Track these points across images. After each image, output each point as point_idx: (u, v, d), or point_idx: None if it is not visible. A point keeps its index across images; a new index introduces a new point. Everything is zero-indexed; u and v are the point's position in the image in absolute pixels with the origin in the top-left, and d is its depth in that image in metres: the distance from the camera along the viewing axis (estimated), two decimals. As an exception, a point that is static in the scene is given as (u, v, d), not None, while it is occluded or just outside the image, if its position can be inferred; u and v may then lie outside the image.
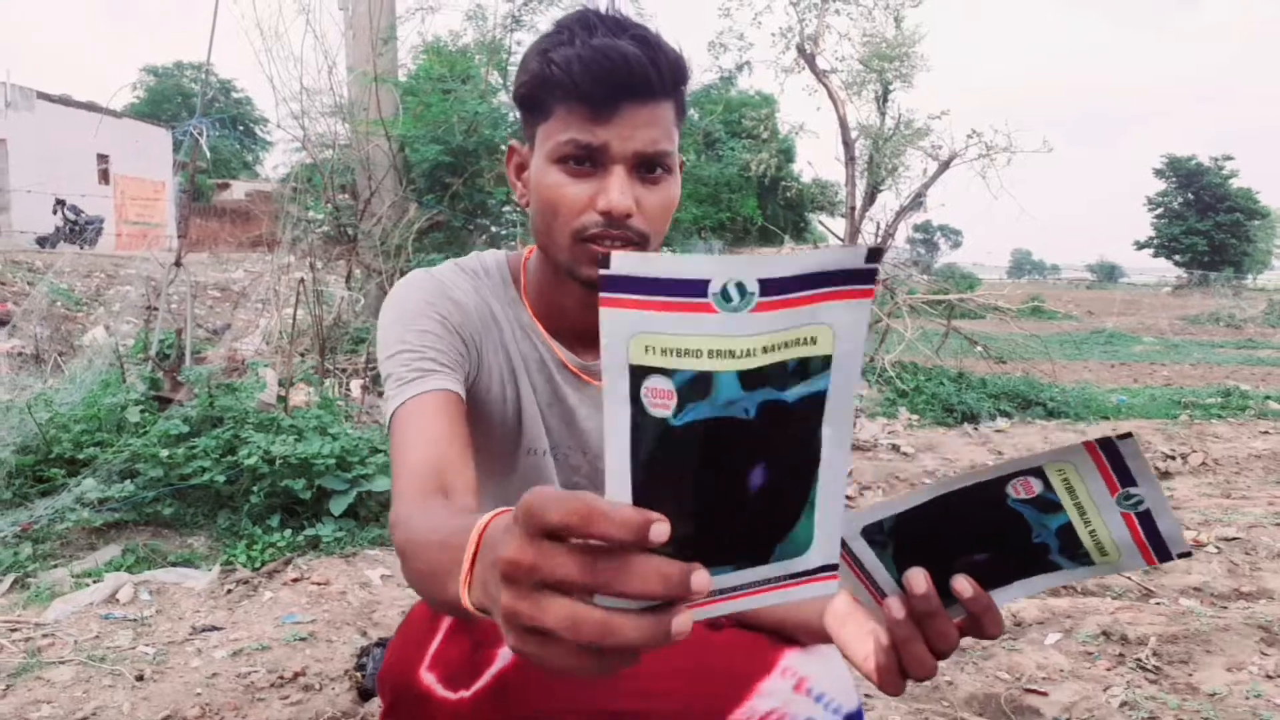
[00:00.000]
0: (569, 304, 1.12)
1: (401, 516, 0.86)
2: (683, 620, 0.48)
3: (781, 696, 0.97)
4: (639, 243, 1.01)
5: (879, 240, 8.50)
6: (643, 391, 0.50)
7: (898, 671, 0.73)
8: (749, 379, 0.51)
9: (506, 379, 1.14)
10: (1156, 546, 0.67)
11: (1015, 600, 0.71)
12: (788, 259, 0.49)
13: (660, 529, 0.47)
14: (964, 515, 0.68)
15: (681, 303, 0.49)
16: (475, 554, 0.58)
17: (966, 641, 1.10)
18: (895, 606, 0.71)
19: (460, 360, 1.07)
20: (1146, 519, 0.67)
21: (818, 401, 0.53)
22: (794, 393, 0.52)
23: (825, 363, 0.52)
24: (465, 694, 0.99)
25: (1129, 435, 0.64)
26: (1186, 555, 0.68)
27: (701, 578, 0.48)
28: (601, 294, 0.48)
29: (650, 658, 0.62)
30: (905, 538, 0.70)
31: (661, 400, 0.50)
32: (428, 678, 1.00)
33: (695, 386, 0.50)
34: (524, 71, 1.02)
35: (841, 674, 1.01)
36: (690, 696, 1.00)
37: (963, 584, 0.69)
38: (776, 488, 0.54)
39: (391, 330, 1.06)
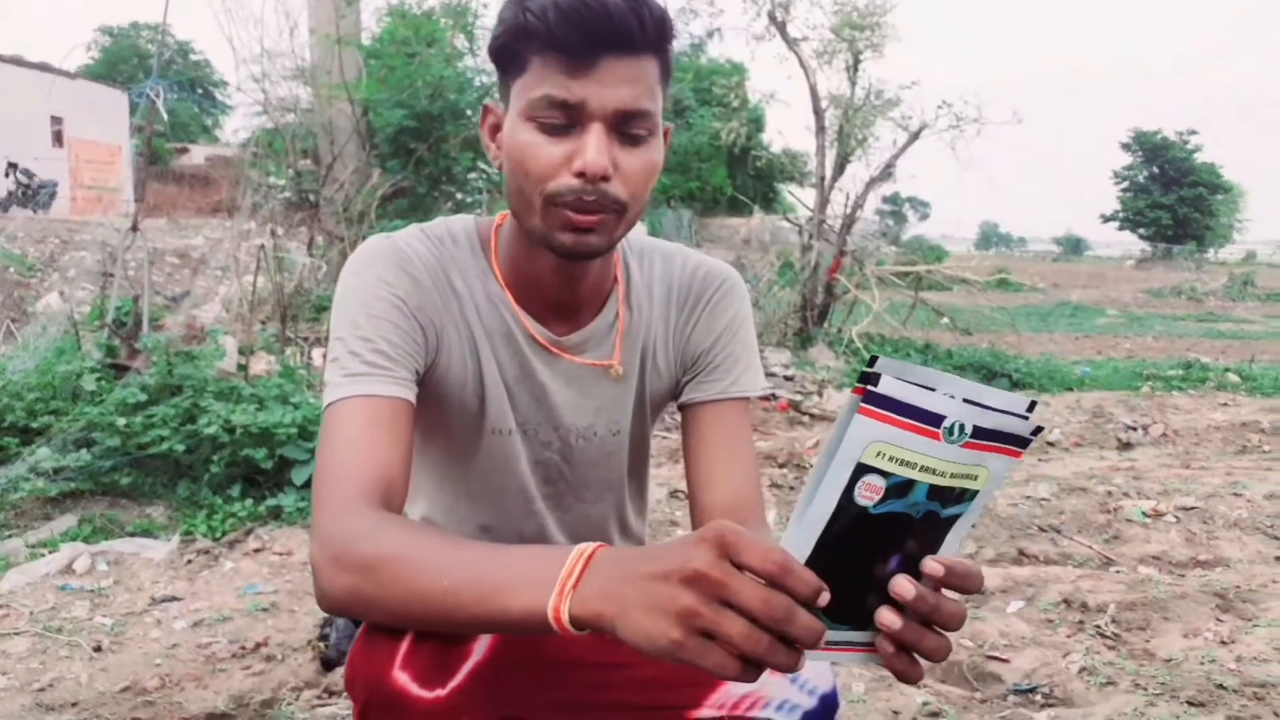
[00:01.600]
0: (542, 273, 1.06)
1: (361, 530, 0.84)
2: (803, 660, 0.63)
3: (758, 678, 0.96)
4: (617, 210, 0.95)
5: (849, 211, 8.50)
6: (858, 485, 0.62)
7: (916, 664, 0.70)
8: (934, 491, 0.64)
9: (468, 356, 1.08)
10: (1011, 439, 0.66)
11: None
12: (989, 415, 0.63)
13: (824, 596, 0.61)
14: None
15: (920, 426, 0.61)
16: (582, 572, 0.68)
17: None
18: (884, 644, 0.68)
19: (416, 348, 1.02)
20: (983, 434, 0.64)
21: (954, 520, 0.68)
22: (948, 511, 0.67)
23: (973, 495, 0.67)
24: (442, 691, 0.97)
25: (875, 361, 0.62)
26: (1038, 431, 0.67)
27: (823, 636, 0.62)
28: (862, 404, 0.60)
29: (627, 647, 0.67)
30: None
31: (870, 494, 0.62)
32: (401, 677, 0.97)
33: (901, 489, 0.63)
34: (499, 24, 0.95)
35: None
36: (665, 684, 0.98)
37: (904, 586, 0.65)
38: (900, 572, 0.66)
39: (346, 308, 1.01)
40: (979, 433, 0.63)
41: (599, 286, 1.11)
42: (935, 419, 0.61)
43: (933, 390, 0.63)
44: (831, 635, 0.65)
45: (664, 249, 1.20)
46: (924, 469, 0.63)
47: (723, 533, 0.62)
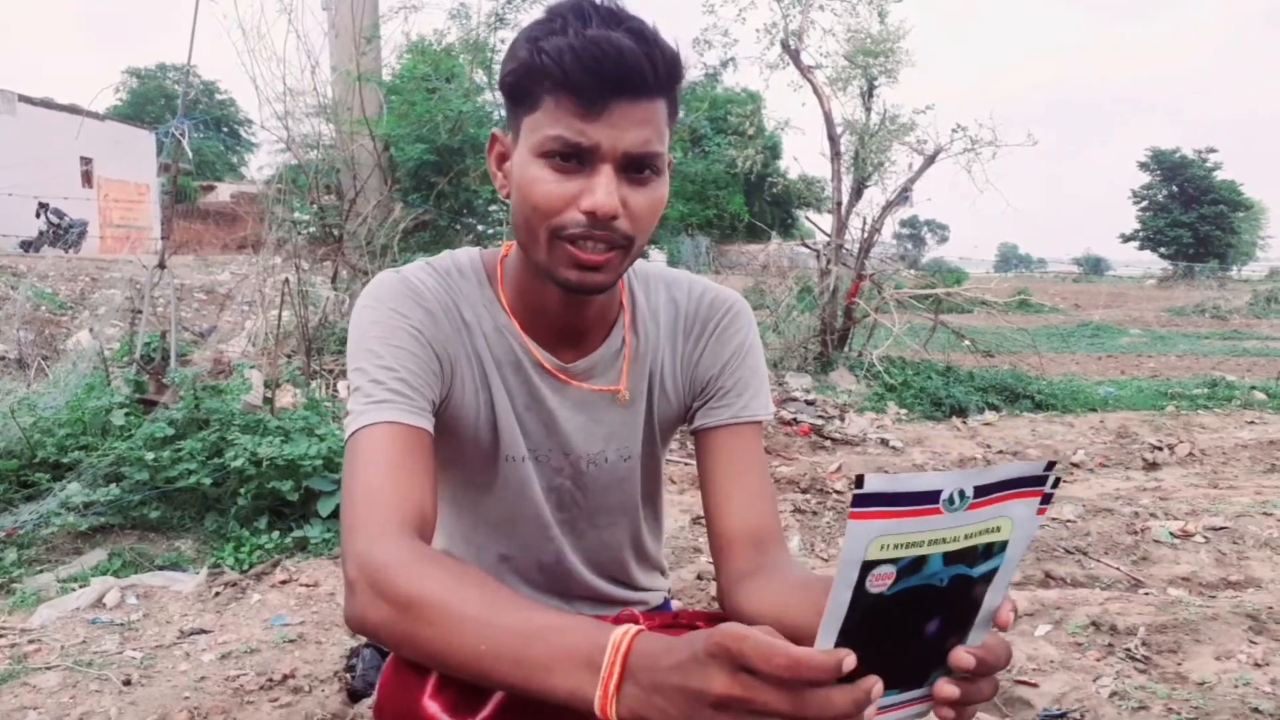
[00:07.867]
0: (549, 303, 1.07)
1: (401, 558, 0.84)
2: None
3: None
4: (624, 246, 0.96)
5: (866, 235, 8.51)
6: (869, 578, 0.62)
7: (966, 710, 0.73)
8: (950, 557, 0.64)
9: (479, 385, 1.10)
10: (1024, 482, 0.66)
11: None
12: (993, 470, 0.63)
13: (849, 661, 0.62)
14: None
15: (917, 510, 0.61)
16: (622, 672, 0.69)
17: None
18: (943, 711, 0.72)
19: (434, 379, 1.04)
20: (988, 489, 0.64)
21: (992, 572, 0.68)
22: (980, 569, 0.67)
23: (1004, 545, 0.67)
24: None
25: (862, 480, 0.61)
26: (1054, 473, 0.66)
27: (876, 691, 0.64)
28: (853, 509, 0.60)
29: None
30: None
31: (882, 582, 0.63)
32: (431, 706, 0.97)
33: (912, 566, 0.63)
34: (512, 59, 0.96)
35: None
36: None
37: (964, 659, 0.69)
38: (945, 633, 0.68)
39: (364, 339, 1.02)
40: (982, 491, 0.64)
41: (605, 314, 1.13)
42: (932, 496, 0.62)
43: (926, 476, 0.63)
44: (884, 700, 0.68)
45: (669, 276, 1.21)
46: (932, 543, 0.63)
47: (727, 646, 0.63)
